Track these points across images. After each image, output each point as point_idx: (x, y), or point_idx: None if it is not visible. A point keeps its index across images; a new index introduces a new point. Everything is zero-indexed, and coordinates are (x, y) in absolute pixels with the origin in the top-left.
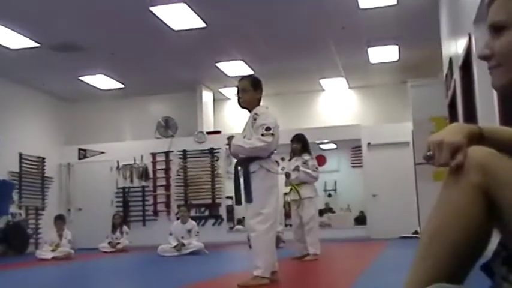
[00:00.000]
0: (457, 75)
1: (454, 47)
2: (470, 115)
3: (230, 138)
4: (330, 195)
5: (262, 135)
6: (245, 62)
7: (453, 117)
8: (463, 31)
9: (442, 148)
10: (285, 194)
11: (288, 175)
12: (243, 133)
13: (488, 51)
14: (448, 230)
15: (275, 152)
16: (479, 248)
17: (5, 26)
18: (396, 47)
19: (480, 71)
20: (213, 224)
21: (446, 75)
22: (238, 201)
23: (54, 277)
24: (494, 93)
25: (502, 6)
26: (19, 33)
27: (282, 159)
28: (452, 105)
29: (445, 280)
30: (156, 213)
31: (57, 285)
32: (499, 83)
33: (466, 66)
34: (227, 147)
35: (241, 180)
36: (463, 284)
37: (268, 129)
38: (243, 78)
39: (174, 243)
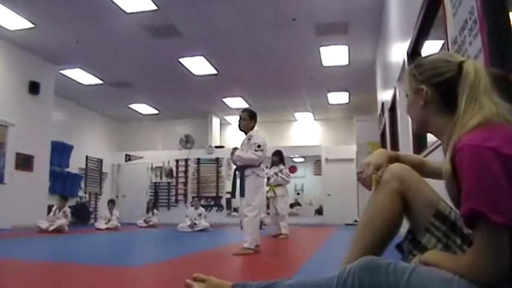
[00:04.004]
0: (386, 114)
1: (385, 95)
2: (394, 142)
3: (234, 149)
4: (298, 194)
5: (256, 150)
6: (243, 98)
7: (383, 143)
8: (391, 85)
9: (369, 166)
10: (267, 192)
11: (268, 179)
12: (241, 148)
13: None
14: (375, 221)
15: (263, 162)
16: (393, 233)
17: (81, 69)
18: (347, 93)
19: (401, 113)
20: (216, 211)
21: (380, 114)
22: (233, 195)
23: (107, 240)
24: (410, 128)
25: (405, 83)
26: (90, 73)
27: (266, 167)
28: (383, 135)
29: (371, 254)
30: (177, 201)
31: (109, 246)
32: (413, 129)
33: (393, 108)
34: (230, 156)
35: (238, 181)
36: (381, 256)
37: (259, 146)
38: (244, 110)
39: (189, 223)
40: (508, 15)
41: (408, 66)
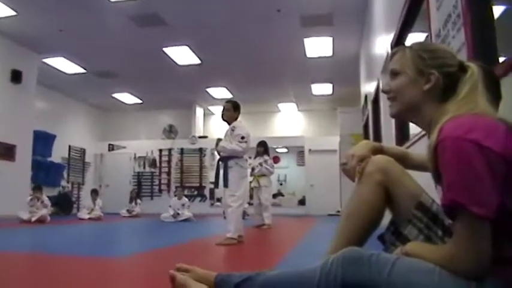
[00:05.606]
0: (369, 106)
1: (368, 87)
2: (377, 134)
3: (218, 140)
4: (281, 184)
5: (239, 142)
6: (227, 89)
7: (366, 135)
8: (374, 77)
9: (353, 158)
10: (250, 182)
11: (253, 169)
12: (224, 138)
13: (388, 88)
14: (358, 212)
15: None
16: (376, 224)
17: (64, 58)
18: (331, 85)
19: (384, 105)
20: (200, 201)
21: (363, 106)
22: (216, 186)
23: (90, 231)
24: (393, 121)
25: (398, 60)
26: (73, 62)
27: (250, 157)
28: (366, 126)
29: (354, 245)
30: (160, 191)
31: (92, 236)
32: (393, 111)
33: (376, 101)
34: (215, 147)
35: (221, 171)
36: (363, 247)
37: (242, 138)
38: (228, 101)
39: (172, 213)
40: (492, 9)
41: (406, 46)
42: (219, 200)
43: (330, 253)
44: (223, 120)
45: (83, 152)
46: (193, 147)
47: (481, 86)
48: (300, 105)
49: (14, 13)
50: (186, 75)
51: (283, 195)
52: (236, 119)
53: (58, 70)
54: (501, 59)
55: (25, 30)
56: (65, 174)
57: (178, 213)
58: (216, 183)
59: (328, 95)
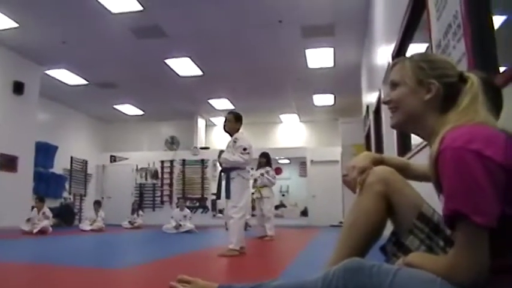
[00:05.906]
0: (371, 117)
1: (370, 98)
2: (379, 144)
3: (221, 152)
4: (283, 195)
5: (242, 153)
6: (229, 100)
7: (368, 145)
8: (375, 88)
9: (354, 170)
10: (252, 193)
11: (255, 180)
12: (226, 150)
13: (388, 98)
14: (359, 223)
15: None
16: (377, 235)
17: (66, 69)
18: (332, 96)
19: (386, 115)
20: (202, 212)
21: (364, 116)
22: (218, 197)
23: (92, 242)
24: (395, 131)
25: (397, 70)
26: (75, 74)
27: (252, 168)
28: (367, 137)
29: (355, 256)
30: (162, 202)
31: (94, 247)
32: (394, 122)
33: (377, 111)
34: (217, 158)
35: (223, 182)
36: (364, 258)
37: (245, 149)
38: (230, 112)
39: (174, 224)
40: (492, 19)
41: (406, 57)
42: (221, 211)
43: (331, 264)
44: (225, 131)
45: (84, 163)
46: (195, 159)
47: (482, 97)
48: (302, 116)
49: (16, 25)
50: (187, 87)
51: (285, 206)
52: (238, 130)
53: (60, 81)
54: (502, 69)
55: (27, 42)
56: (67, 186)
57: (180, 225)
58: (218, 195)
59: (329, 106)
